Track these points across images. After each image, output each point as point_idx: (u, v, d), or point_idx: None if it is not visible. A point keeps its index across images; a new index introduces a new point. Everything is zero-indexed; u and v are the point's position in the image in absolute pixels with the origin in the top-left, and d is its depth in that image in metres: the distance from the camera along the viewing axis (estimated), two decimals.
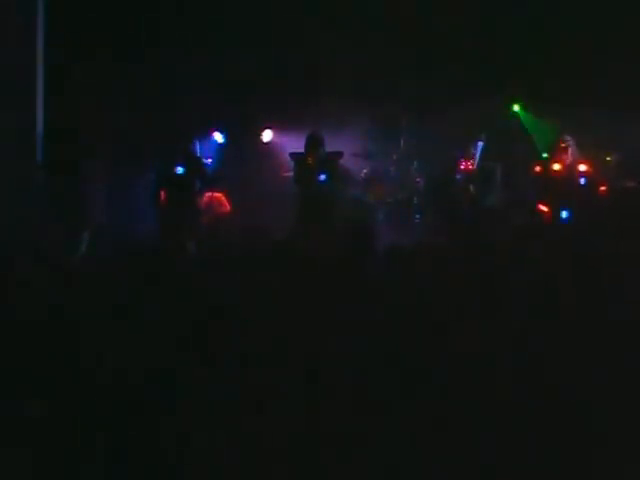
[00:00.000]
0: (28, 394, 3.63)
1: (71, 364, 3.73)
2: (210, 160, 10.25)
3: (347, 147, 9.79)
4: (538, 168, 10.16)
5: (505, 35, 10.59)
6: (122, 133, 10.37)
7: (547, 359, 3.82)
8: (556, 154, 9.97)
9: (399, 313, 4.11)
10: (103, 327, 3.88)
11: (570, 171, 9.90)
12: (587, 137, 10.08)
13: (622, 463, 3.51)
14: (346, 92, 10.89)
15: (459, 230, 9.46)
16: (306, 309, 4.10)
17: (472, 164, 10.52)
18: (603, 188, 9.68)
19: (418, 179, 10.75)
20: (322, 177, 9.07)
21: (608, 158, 10.24)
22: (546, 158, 10.05)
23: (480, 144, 10.48)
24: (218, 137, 11.19)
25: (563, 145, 9.85)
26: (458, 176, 10.54)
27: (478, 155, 10.50)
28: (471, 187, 10.40)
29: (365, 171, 10.73)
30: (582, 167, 9.92)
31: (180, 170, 8.91)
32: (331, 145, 9.32)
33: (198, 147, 9.46)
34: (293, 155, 9.45)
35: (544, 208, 9.75)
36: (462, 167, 10.53)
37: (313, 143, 9.11)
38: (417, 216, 10.52)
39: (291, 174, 9.49)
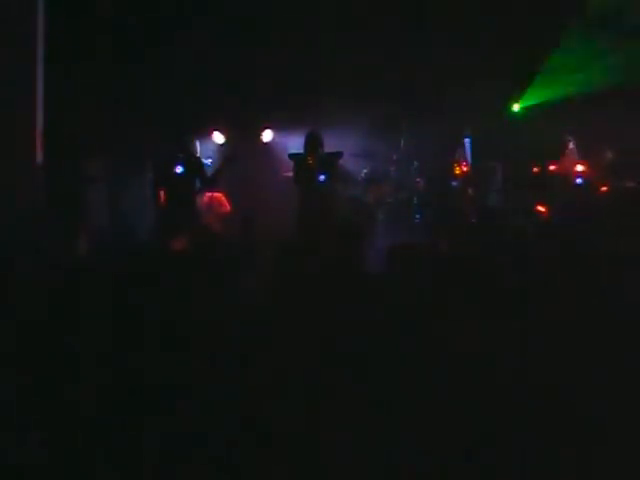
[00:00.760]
0: (28, 394, 3.63)
1: (71, 364, 3.73)
2: (210, 160, 10.26)
3: (347, 147, 9.79)
4: (536, 168, 10.19)
5: (505, 35, 10.60)
6: (122, 133, 10.37)
7: (547, 359, 3.82)
8: (555, 154, 10.00)
9: (399, 313, 4.11)
10: (103, 327, 3.88)
11: (568, 171, 9.93)
12: (587, 136, 10.10)
13: (622, 463, 3.52)
14: (346, 92, 10.89)
15: (459, 230, 9.46)
16: (306, 309, 4.11)
17: (466, 165, 10.50)
18: (604, 189, 9.69)
19: (418, 179, 10.76)
20: (322, 177, 9.07)
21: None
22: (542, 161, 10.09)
23: (467, 141, 10.46)
24: (218, 137, 11.20)
25: (562, 145, 9.89)
26: (454, 183, 10.52)
27: (469, 152, 10.48)
28: (469, 190, 10.40)
29: (365, 171, 10.74)
30: (579, 167, 9.95)
31: (180, 170, 8.90)
32: (331, 145, 9.32)
33: (198, 147, 9.46)
34: (293, 156, 9.45)
35: (542, 209, 9.76)
36: (457, 172, 10.51)
37: (313, 143, 9.10)
38: (417, 216, 10.53)
39: (291, 174, 9.49)
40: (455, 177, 10.51)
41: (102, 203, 10.38)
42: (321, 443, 3.55)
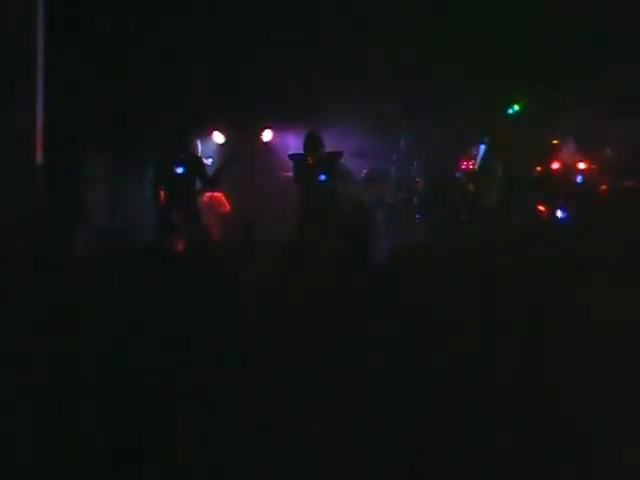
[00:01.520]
0: (27, 395, 3.63)
1: (70, 364, 3.73)
2: (210, 160, 10.27)
3: (347, 147, 9.79)
4: (538, 168, 10.19)
5: (505, 35, 10.60)
6: (122, 133, 10.37)
7: (547, 359, 3.82)
8: (554, 153, 10.00)
9: (399, 313, 4.11)
10: (103, 327, 3.88)
11: (568, 170, 9.92)
12: (587, 136, 10.10)
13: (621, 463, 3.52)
14: (346, 92, 10.89)
15: (459, 230, 9.48)
16: (306, 308, 4.11)
17: (473, 164, 10.55)
18: (604, 187, 9.69)
19: (418, 179, 10.76)
20: (322, 177, 9.07)
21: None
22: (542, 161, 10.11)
23: (482, 147, 10.51)
24: (218, 137, 11.21)
25: (557, 143, 9.90)
26: (458, 174, 10.57)
27: (480, 156, 10.53)
28: (470, 186, 10.43)
29: (365, 171, 10.75)
30: (581, 165, 9.95)
31: (180, 170, 8.90)
32: (331, 145, 9.32)
33: (199, 147, 9.47)
34: (293, 156, 9.45)
35: (542, 208, 9.76)
36: (463, 166, 10.57)
37: (312, 143, 9.11)
38: (417, 216, 10.53)
39: (291, 174, 9.50)
40: (460, 170, 10.56)
41: (102, 203, 10.39)
42: (321, 443, 3.55)
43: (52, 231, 7.66)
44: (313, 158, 9.07)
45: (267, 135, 11.27)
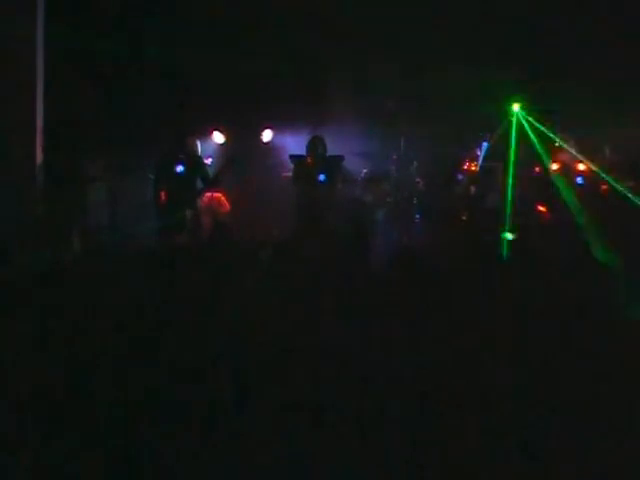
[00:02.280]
0: (27, 395, 3.63)
1: (70, 364, 3.73)
2: (210, 160, 10.26)
3: (347, 147, 9.79)
4: (537, 169, 10.20)
5: (505, 35, 10.60)
6: (122, 133, 10.36)
7: (548, 358, 3.82)
8: (553, 154, 10.01)
9: (398, 313, 4.11)
10: (102, 326, 3.88)
11: (568, 171, 9.93)
12: (587, 135, 10.11)
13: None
14: (346, 92, 10.89)
15: (459, 230, 9.48)
16: (306, 308, 4.11)
17: (475, 165, 10.56)
18: (605, 187, 9.69)
19: (418, 179, 10.76)
20: (322, 177, 9.07)
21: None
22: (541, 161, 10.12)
23: (485, 145, 10.52)
24: (218, 137, 11.20)
25: (558, 145, 9.91)
26: (460, 176, 10.58)
27: (482, 156, 10.54)
28: (472, 188, 10.44)
29: (365, 171, 10.75)
30: (580, 166, 9.95)
31: (181, 170, 8.90)
32: (331, 145, 9.32)
33: (199, 147, 9.47)
34: (293, 157, 9.45)
35: (542, 208, 9.77)
36: (465, 167, 10.58)
37: (313, 143, 9.12)
38: (417, 216, 10.53)
39: (291, 174, 9.50)
40: (463, 171, 10.58)
41: (102, 203, 10.38)
42: (321, 442, 3.55)
43: (52, 231, 7.66)
44: (313, 158, 9.08)
45: (267, 135, 11.27)
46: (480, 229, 9.33)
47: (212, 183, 9.12)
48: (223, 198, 10.41)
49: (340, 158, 9.24)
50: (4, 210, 8.16)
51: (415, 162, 10.81)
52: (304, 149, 9.39)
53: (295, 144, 9.79)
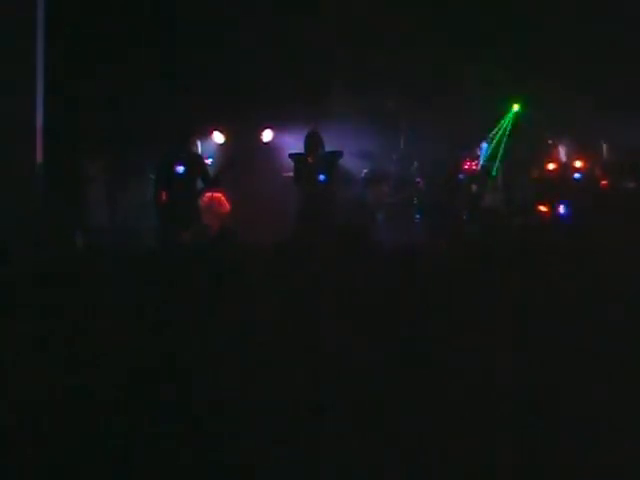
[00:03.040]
0: (26, 395, 3.63)
1: (70, 363, 3.73)
2: (210, 160, 10.26)
3: (347, 147, 9.78)
4: (537, 168, 10.21)
5: (505, 35, 10.60)
6: (122, 133, 10.36)
7: (548, 359, 3.82)
8: (549, 153, 10.03)
9: (399, 313, 4.11)
10: (102, 327, 3.88)
11: (564, 169, 9.95)
12: (586, 135, 10.12)
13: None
14: (346, 92, 10.89)
15: (459, 230, 9.48)
16: (307, 308, 4.10)
17: (476, 165, 10.58)
18: (604, 182, 9.71)
19: (418, 179, 10.76)
20: (322, 177, 9.06)
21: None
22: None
23: (484, 145, 10.53)
24: (218, 137, 11.20)
25: (551, 142, 9.93)
26: (461, 176, 10.59)
27: (482, 156, 10.56)
28: (473, 187, 10.45)
29: (365, 171, 10.74)
30: (577, 163, 9.97)
31: (181, 170, 8.89)
32: (331, 145, 9.31)
33: (199, 146, 9.46)
34: (292, 156, 9.44)
35: (543, 208, 9.78)
36: (466, 167, 10.59)
37: (313, 143, 9.10)
38: (417, 216, 10.53)
39: (291, 174, 9.49)
40: (463, 171, 10.60)
41: (102, 203, 10.38)
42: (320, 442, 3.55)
43: (51, 231, 7.66)
44: (313, 158, 9.07)
45: (267, 135, 11.26)
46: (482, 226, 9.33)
47: (212, 183, 9.11)
48: (223, 198, 10.41)
49: (339, 154, 9.21)
50: (4, 210, 8.16)
51: (415, 162, 10.80)
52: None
53: (295, 144, 9.78)
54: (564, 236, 6.44)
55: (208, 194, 9.88)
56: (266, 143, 11.29)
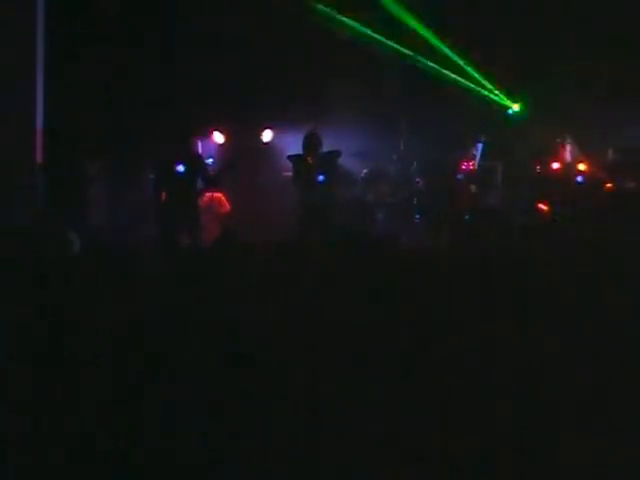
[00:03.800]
0: (25, 395, 3.63)
1: (69, 363, 3.73)
2: (210, 160, 10.26)
3: (347, 147, 9.77)
4: (537, 168, 10.21)
5: (505, 35, 10.61)
6: (123, 133, 10.36)
7: (549, 358, 3.82)
8: (554, 153, 10.03)
9: (399, 313, 4.11)
10: (102, 327, 3.88)
11: (568, 170, 9.94)
12: (586, 135, 10.11)
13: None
14: (346, 92, 10.89)
15: (459, 230, 9.47)
16: (307, 308, 4.10)
17: (473, 164, 10.58)
18: (609, 185, 9.70)
19: (418, 179, 10.76)
20: (321, 177, 9.04)
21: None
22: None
23: (480, 145, 10.54)
24: (218, 137, 11.20)
25: (559, 143, 9.93)
26: (459, 176, 10.60)
27: (479, 155, 10.56)
28: (472, 187, 10.45)
29: (365, 171, 10.74)
30: (581, 166, 9.97)
31: (181, 169, 8.88)
32: (331, 145, 9.30)
33: (200, 146, 9.47)
34: (291, 157, 9.41)
35: (543, 207, 9.78)
36: (464, 167, 10.61)
37: (312, 143, 9.08)
38: (417, 216, 10.53)
39: (291, 174, 9.48)
40: (461, 172, 10.61)
41: (102, 203, 10.38)
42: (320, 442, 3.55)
43: (51, 231, 7.66)
44: (312, 158, 9.05)
45: (267, 135, 11.26)
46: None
47: (212, 183, 9.10)
48: (223, 198, 10.41)
49: (337, 154, 9.19)
50: (4, 210, 8.17)
51: (415, 162, 10.80)
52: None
53: (295, 144, 9.77)
54: (564, 236, 6.45)
55: (208, 194, 9.87)
56: (266, 143, 11.29)
